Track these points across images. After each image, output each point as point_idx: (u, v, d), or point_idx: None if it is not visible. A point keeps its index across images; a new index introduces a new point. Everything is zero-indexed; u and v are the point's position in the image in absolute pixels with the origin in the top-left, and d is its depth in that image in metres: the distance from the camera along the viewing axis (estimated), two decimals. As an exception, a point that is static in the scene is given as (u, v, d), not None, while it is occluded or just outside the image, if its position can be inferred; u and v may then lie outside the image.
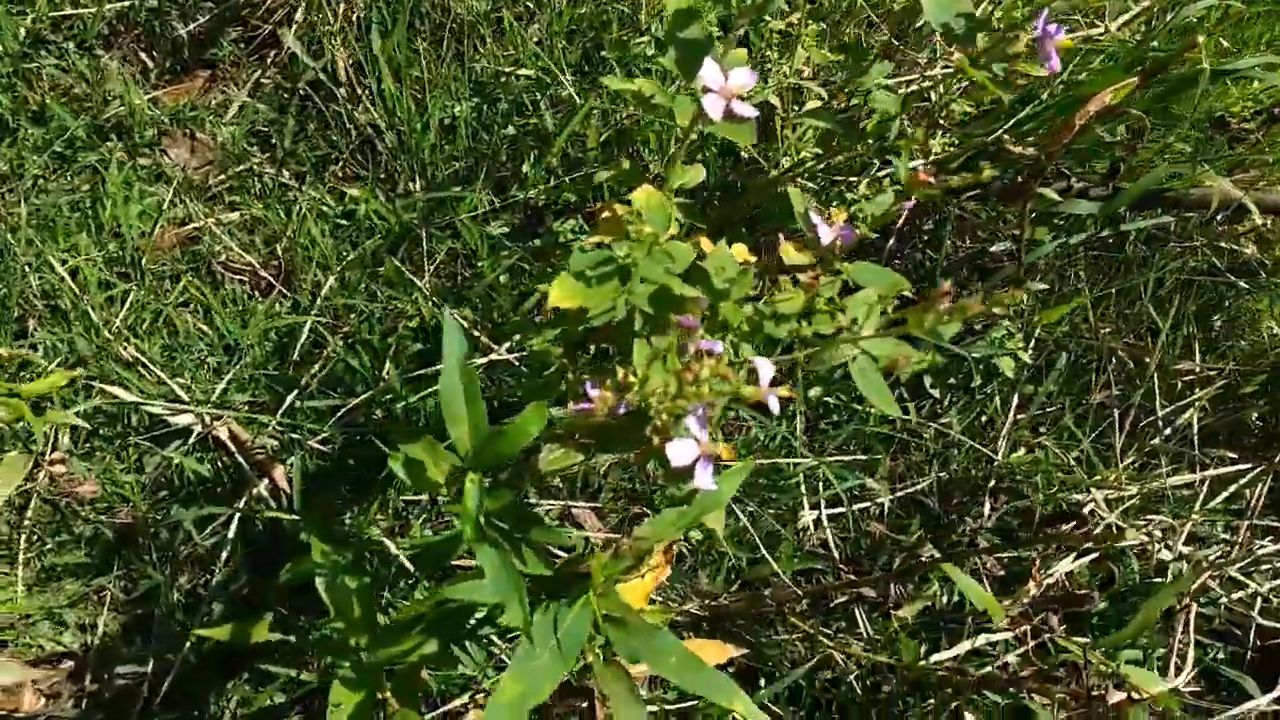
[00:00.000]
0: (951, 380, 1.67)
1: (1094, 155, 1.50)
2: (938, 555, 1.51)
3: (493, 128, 1.82)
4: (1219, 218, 1.46)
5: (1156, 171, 1.34)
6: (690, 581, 1.53)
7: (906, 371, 1.62)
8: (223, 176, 1.80)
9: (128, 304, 1.67)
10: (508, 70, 1.83)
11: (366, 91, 1.82)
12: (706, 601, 1.48)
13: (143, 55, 1.92)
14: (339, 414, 1.56)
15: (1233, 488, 1.61)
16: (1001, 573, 1.59)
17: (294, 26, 1.88)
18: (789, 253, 0.82)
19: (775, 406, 0.68)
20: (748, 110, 0.76)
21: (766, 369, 0.67)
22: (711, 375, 0.63)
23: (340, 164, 1.82)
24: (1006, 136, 1.35)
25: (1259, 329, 1.66)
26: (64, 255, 1.67)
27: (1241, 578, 1.56)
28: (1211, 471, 1.61)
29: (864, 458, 1.60)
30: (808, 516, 1.57)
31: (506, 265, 1.69)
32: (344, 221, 1.75)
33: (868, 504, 1.61)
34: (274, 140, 1.84)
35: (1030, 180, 1.32)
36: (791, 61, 1.32)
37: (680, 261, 0.78)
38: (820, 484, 1.59)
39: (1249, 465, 1.61)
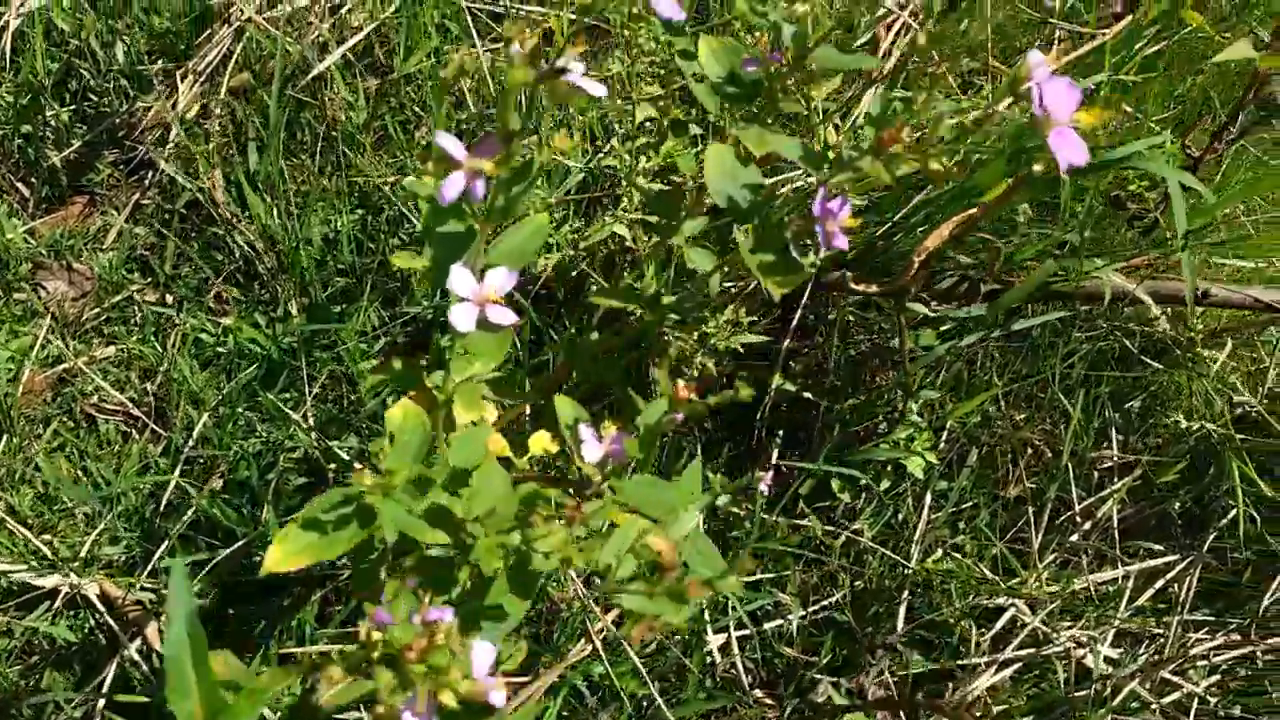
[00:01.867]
0: (864, 480, 1.60)
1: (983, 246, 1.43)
2: (840, 687, 1.42)
3: (378, 239, 1.76)
4: (1121, 304, 1.39)
5: (1038, 273, 1.27)
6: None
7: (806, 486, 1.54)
8: (97, 310, 1.74)
9: (-3, 453, 1.59)
10: (391, 179, 1.77)
11: (245, 210, 1.76)
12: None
13: (19, 185, 1.86)
14: (211, 566, 1.48)
15: (1160, 582, 1.53)
16: (918, 686, 1.51)
17: (168, 147, 1.82)
18: (539, 442, 0.75)
19: (499, 700, 0.61)
20: (504, 317, 0.69)
21: (484, 656, 0.60)
22: (437, 650, 0.56)
23: (221, 286, 1.75)
24: (850, 275, 1.28)
25: (1180, 407, 1.59)
26: (-73, 407, 1.60)
27: (1175, 678, 1.48)
28: (1136, 566, 1.53)
29: (767, 576, 1.52)
30: (713, 641, 1.48)
31: (391, 389, 1.61)
32: (222, 350, 1.68)
33: (779, 622, 1.53)
34: (154, 265, 1.77)
35: (900, 299, 1.26)
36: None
37: (420, 503, 0.70)
38: (728, 604, 1.51)
39: (1175, 557, 1.53)
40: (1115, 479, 1.55)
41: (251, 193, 1.67)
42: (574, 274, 1.47)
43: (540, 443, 0.79)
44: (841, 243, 0.81)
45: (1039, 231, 1.37)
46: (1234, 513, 1.50)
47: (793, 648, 1.51)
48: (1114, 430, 1.57)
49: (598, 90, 0.66)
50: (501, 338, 0.78)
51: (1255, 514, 1.50)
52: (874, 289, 1.23)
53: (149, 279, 1.78)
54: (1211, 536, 1.52)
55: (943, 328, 1.40)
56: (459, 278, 0.68)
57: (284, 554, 0.71)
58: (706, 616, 1.48)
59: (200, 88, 1.85)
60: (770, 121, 0.81)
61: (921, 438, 1.49)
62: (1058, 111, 0.75)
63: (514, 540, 0.67)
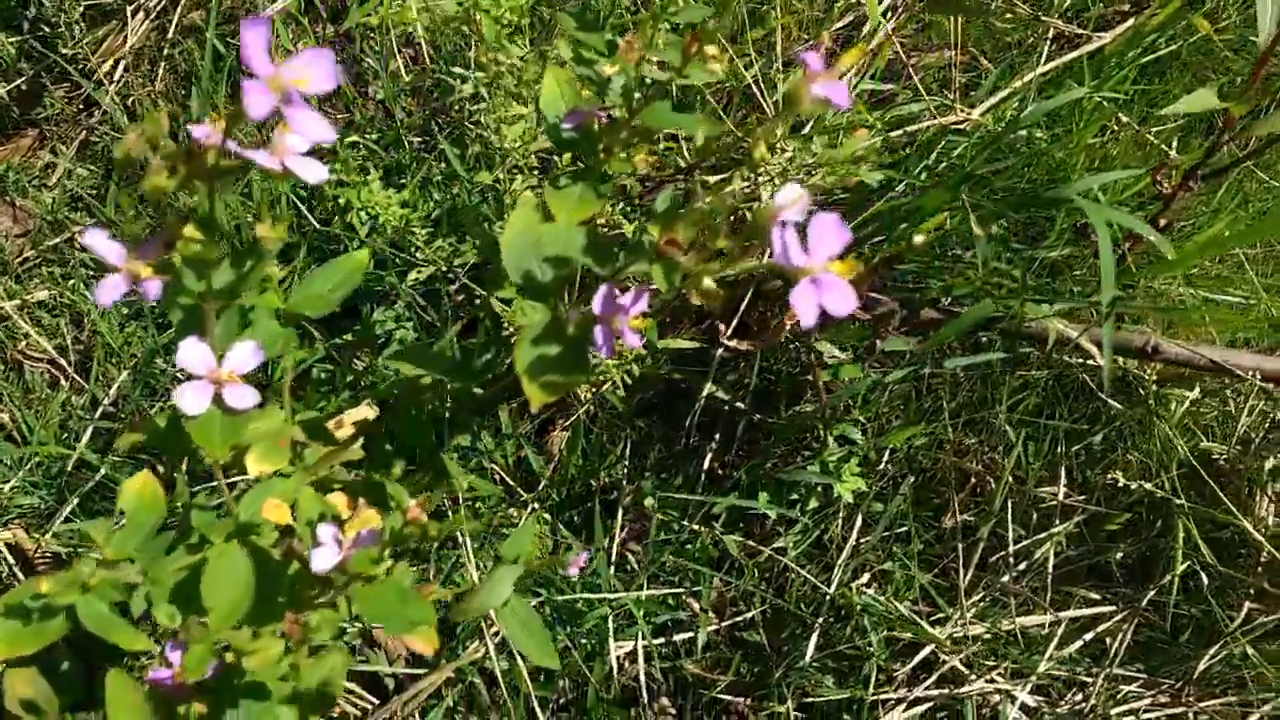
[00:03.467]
0: (794, 495, 1.53)
1: (929, 274, 1.33)
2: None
3: (318, 197, 1.69)
4: (1065, 349, 1.29)
5: (968, 314, 1.17)
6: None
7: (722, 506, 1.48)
8: (35, 252, 1.70)
9: (-76, 392, 1.58)
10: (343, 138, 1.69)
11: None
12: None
13: (-32, 112, 1.81)
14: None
15: (1092, 633, 1.45)
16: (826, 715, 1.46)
17: (113, 84, 1.75)
18: (275, 512, 0.68)
19: None
20: (243, 399, 0.61)
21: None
22: None
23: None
24: (722, 329, 1.19)
25: (1140, 447, 1.48)
26: None
27: (1096, 732, 1.42)
28: (1069, 613, 1.46)
29: (679, 590, 1.47)
30: (614, 651, 1.44)
31: (315, 358, 1.57)
32: (150, 303, 1.64)
33: (689, 634, 1.49)
34: (95, 209, 1.73)
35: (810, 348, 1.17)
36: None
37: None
38: (641, 611, 1.47)
39: (1112, 608, 1.45)
40: (1058, 520, 1.46)
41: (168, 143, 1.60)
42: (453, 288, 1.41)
43: (335, 504, 0.73)
44: (633, 340, 0.72)
45: (993, 263, 1.26)
46: (1179, 568, 1.41)
47: (699, 664, 1.47)
48: (1063, 468, 1.48)
49: (314, 175, 0.58)
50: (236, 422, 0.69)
51: (1201, 573, 1.41)
52: (744, 346, 1.15)
53: (92, 220, 1.74)
54: (1152, 591, 1.44)
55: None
56: (189, 352, 0.61)
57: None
58: (610, 625, 1.44)
59: (152, 24, 1.78)
60: (599, 182, 0.72)
61: (851, 464, 1.41)
62: (813, 256, 0.60)
63: (240, 639, 0.62)
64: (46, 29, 1.79)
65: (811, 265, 0.59)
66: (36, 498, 1.53)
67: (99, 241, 0.60)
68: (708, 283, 0.63)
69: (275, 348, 0.68)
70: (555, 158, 1.39)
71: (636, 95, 0.70)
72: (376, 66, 1.72)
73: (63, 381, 1.62)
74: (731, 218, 0.70)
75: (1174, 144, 1.53)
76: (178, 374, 1.57)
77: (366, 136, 1.68)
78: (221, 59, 1.70)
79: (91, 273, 1.69)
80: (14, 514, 1.51)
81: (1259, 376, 1.28)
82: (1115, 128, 1.54)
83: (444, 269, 1.40)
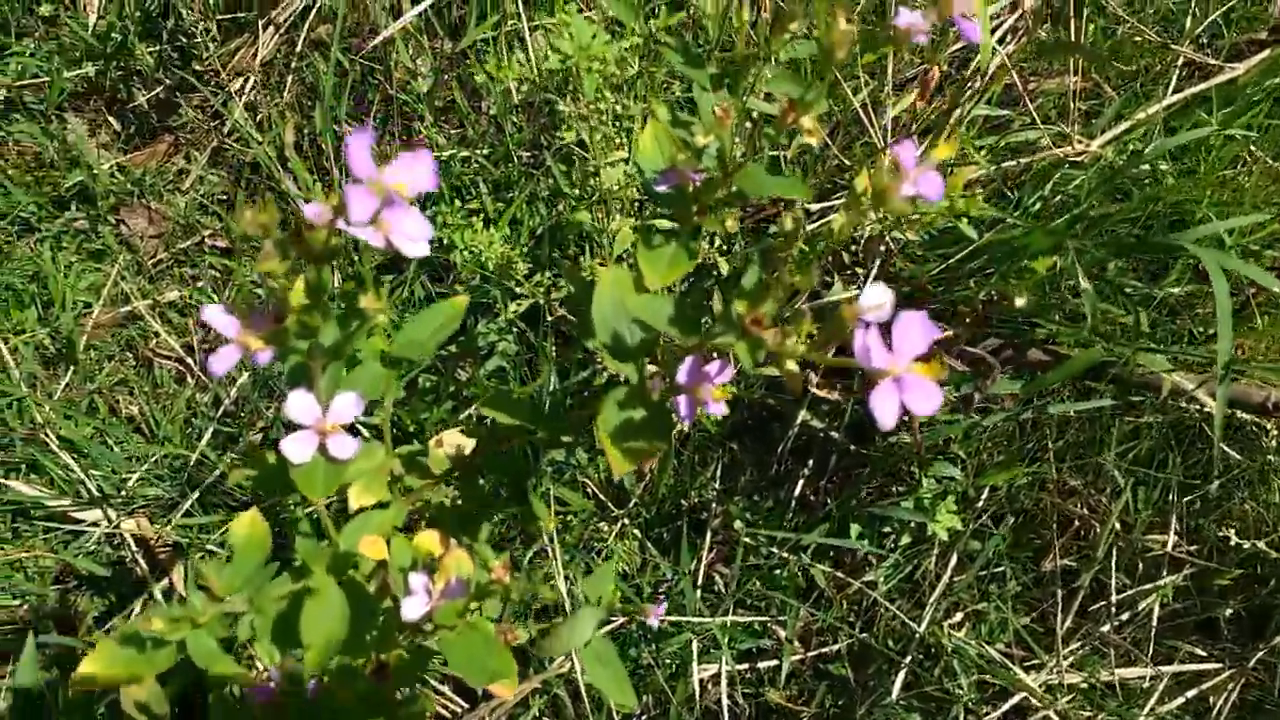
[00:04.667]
0: (886, 529, 1.51)
1: (1041, 311, 1.29)
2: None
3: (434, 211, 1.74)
4: (1179, 399, 1.23)
5: (1084, 356, 1.13)
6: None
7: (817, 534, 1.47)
8: (168, 254, 1.80)
9: (64, 383, 1.69)
10: (449, 152, 1.74)
11: (311, 171, 1.78)
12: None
13: (111, 119, 1.93)
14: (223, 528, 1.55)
15: (1195, 690, 1.39)
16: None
17: (243, 98, 1.84)
18: (425, 543, 0.70)
19: None
20: (344, 449, 0.64)
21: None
22: None
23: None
24: (813, 380, 1.17)
25: (1257, 498, 1.41)
26: (6, 333, 1.71)
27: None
28: (1172, 668, 1.40)
29: (765, 619, 1.47)
30: (698, 673, 1.45)
31: (420, 368, 1.62)
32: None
33: (774, 662, 1.48)
34: (223, 216, 1.82)
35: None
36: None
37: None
38: (725, 636, 1.48)
39: (1218, 665, 1.39)
40: (1165, 572, 1.41)
41: (294, 156, 1.68)
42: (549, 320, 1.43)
43: (425, 545, 0.76)
44: (716, 410, 0.73)
45: (1105, 306, 1.22)
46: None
47: (782, 694, 1.46)
48: (1174, 516, 1.42)
49: (418, 251, 0.60)
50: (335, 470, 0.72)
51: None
52: (834, 396, 1.13)
53: (221, 224, 1.83)
54: (1263, 651, 1.37)
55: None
56: (296, 403, 0.64)
57: (99, 667, 0.71)
58: (695, 648, 1.45)
59: (281, 38, 1.86)
60: (692, 239, 0.72)
61: (947, 502, 1.38)
62: (897, 357, 0.59)
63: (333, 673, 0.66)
64: (184, 39, 1.89)
65: (894, 366, 0.59)
66: (160, 489, 1.63)
67: (216, 317, 0.64)
68: (790, 365, 0.63)
69: (378, 390, 0.71)
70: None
71: (732, 156, 0.71)
72: (489, 83, 1.76)
73: (188, 379, 1.72)
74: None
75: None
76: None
77: (478, 151, 1.72)
78: (345, 73, 1.77)
79: (221, 276, 1.78)
80: (139, 503, 1.61)
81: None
82: (1248, 158, 1.47)
83: (543, 301, 1.43)
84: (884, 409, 0.58)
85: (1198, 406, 1.33)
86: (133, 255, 1.81)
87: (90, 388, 1.69)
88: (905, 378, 0.59)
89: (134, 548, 1.58)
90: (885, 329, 0.59)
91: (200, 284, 1.78)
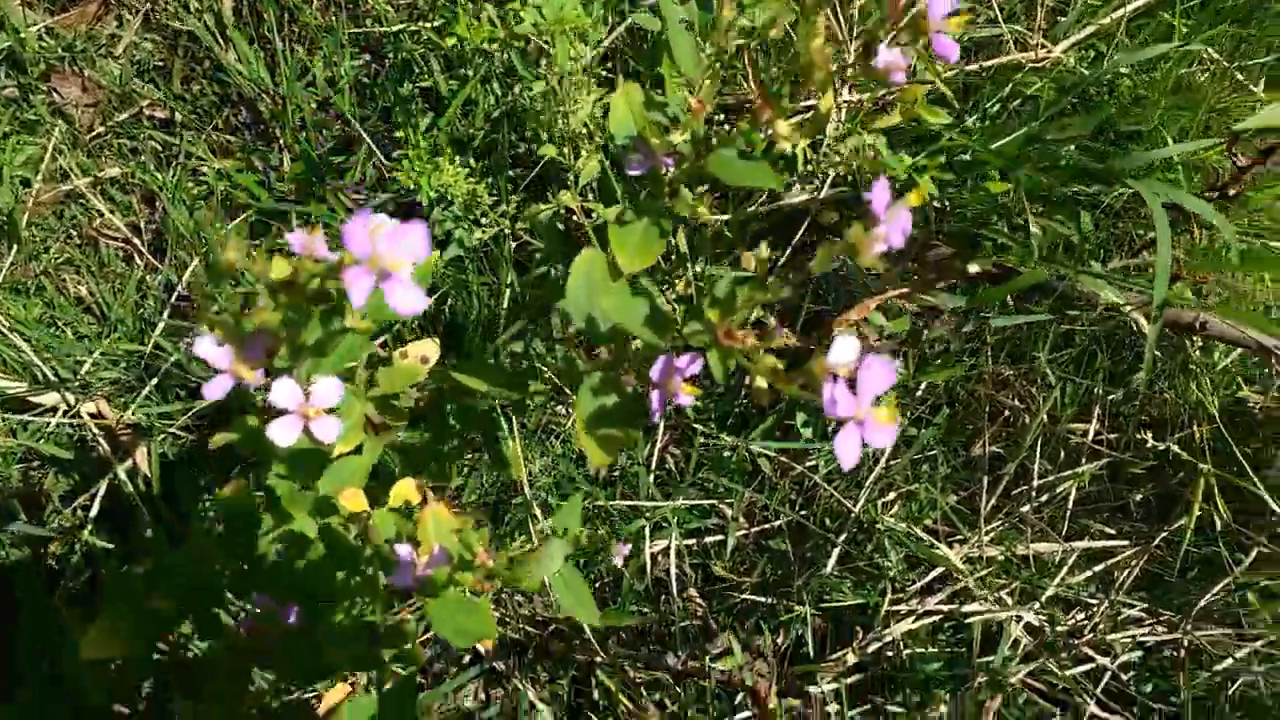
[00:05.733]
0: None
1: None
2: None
3: (382, 87, 1.69)
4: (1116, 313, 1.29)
5: (1028, 276, 1.18)
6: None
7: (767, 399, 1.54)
8: (104, 127, 1.74)
9: (8, 262, 1.66)
10: (398, 27, 1.67)
11: (252, 41, 1.70)
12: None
13: (33, -26, 1.81)
14: (195, 406, 1.57)
15: (1102, 564, 1.53)
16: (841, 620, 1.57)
17: (178, -42, 1.73)
18: (400, 493, 0.75)
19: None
20: (328, 432, 0.66)
21: None
22: None
23: (228, 111, 1.73)
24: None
25: (1178, 390, 1.51)
26: (-58, 210, 1.66)
27: (1092, 652, 1.52)
28: (1083, 544, 1.53)
29: (712, 501, 1.56)
30: (649, 548, 1.55)
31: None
32: (221, 183, 1.69)
33: (720, 537, 1.59)
34: (160, 84, 1.75)
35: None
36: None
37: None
38: (676, 518, 1.57)
39: (1125, 543, 1.52)
40: (1085, 460, 1.51)
41: (236, 31, 1.61)
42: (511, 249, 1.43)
43: (403, 493, 0.79)
44: (685, 401, 0.76)
45: (1047, 222, 1.26)
46: (1195, 513, 1.46)
47: (725, 564, 1.57)
48: (1098, 408, 1.52)
49: (408, 313, 0.60)
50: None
51: (1215, 518, 1.47)
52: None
53: (159, 93, 1.76)
54: (1166, 532, 1.50)
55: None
56: (280, 390, 0.66)
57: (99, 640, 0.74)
58: (647, 531, 1.54)
59: (214, -109, 1.74)
60: (663, 217, 0.72)
61: (887, 396, 1.45)
62: (860, 400, 0.64)
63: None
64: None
65: (858, 412, 0.63)
66: (117, 373, 1.63)
67: (208, 349, 0.65)
68: (760, 383, 0.66)
69: (354, 356, 0.73)
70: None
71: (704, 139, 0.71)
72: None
73: (136, 260, 1.69)
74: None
75: (1261, 84, 1.47)
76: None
77: (427, 25, 1.66)
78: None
79: (162, 152, 1.72)
80: (97, 387, 1.62)
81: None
82: (1205, 62, 1.48)
83: (507, 230, 1.43)
84: (847, 451, 0.64)
85: (1129, 309, 1.40)
86: (69, 126, 1.74)
87: (36, 268, 1.67)
88: (866, 420, 0.63)
89: (95, 430, 1.60)
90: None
91: (142, 158, 1.73)
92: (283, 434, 0.66)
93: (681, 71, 0.73)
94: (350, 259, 0.61)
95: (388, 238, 0.61)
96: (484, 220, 1.41)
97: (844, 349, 0.63)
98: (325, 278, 0.64)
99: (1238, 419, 1.50)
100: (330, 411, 0.67)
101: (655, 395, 0.75)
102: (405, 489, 0.79)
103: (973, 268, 1.25)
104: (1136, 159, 1.09)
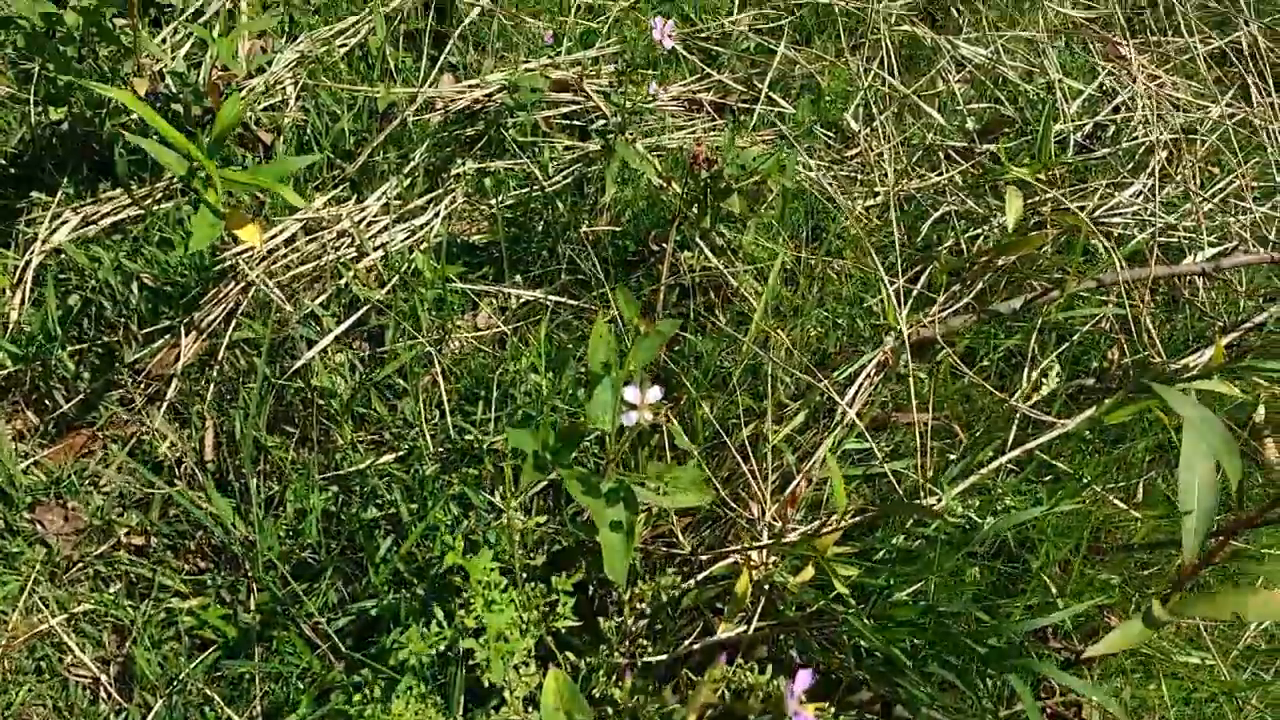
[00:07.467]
0: None
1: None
2: None
3: (346, 517, 1.83)
4: None
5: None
6: None
7: None
8: (81, 560, 1.84)
9: (-25, 703, 1.70)
10: (367, 462, 1.83)
11: (228, 473, 1.85)
12: None
13: (29, 412, 1.98)
14: None
15: None
16: None
17: (165, 400, 1.92)
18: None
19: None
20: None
21: None
22: None
23: (200, 540, 1.85)
24: None
25: None
26: (-84, 655, 1.72)
27: None
28: None
29: None
30: None
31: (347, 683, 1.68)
32: (189, 620, 1.77)
33: None
34: (138, 515, 1.87)
35: None
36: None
37: None
38: None
39: None
40: None
41: (205, 477, 1.76)
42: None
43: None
44: None
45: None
46: None
47: None
48: None
49: None
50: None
51: None
52: None
53: (138, 522, 1.88)
54: None
55: None
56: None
57: None
58: None
59: (202, 343, 1.95)
60: None
61: None
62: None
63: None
64: (106, 335, 1.96)
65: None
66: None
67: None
68: None
69: None
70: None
71: None
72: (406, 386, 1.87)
73: (102, 698, 1.74)
74: None
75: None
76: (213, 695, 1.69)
77: (389, 460, 1.82)
78: (269, 382, 1.86)
79: (136, 584, 1.82)
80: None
81: None
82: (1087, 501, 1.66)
83: None
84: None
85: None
86: (47, 555, 1.84)
87: (3, 709, 1.71)
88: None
89: None
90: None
91: (115, 588, 1.82)
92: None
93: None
94: None
95: None
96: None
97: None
98: None
99: None
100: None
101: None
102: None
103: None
104: (1023, 626, 1.22)
